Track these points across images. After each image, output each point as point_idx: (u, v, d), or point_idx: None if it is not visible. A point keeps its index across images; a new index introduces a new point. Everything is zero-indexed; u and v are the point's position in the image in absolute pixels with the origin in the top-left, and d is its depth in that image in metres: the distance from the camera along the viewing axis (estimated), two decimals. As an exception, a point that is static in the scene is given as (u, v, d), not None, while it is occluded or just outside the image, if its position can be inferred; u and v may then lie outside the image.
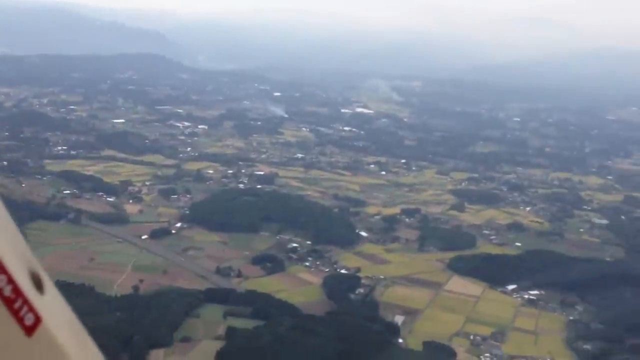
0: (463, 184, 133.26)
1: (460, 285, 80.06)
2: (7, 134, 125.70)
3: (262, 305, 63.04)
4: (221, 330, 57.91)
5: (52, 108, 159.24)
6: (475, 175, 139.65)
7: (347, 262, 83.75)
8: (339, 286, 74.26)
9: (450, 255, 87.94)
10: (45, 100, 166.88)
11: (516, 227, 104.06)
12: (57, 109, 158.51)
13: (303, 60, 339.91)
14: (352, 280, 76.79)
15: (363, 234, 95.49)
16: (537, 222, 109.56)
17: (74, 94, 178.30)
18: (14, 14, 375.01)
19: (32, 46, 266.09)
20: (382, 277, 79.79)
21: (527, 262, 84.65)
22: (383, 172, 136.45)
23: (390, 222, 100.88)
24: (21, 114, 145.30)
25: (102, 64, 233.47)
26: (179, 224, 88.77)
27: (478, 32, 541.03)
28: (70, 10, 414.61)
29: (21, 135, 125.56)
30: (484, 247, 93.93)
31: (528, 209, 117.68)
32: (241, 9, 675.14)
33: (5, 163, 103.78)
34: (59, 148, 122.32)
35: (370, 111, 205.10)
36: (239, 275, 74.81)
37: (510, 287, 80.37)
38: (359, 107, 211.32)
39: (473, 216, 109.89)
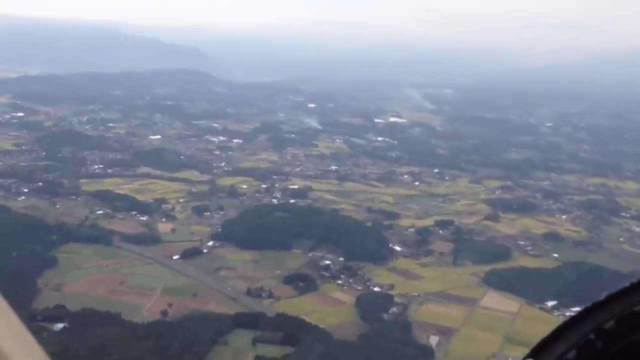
0: (496, 192, 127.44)
1: (497, 301, 74.96)
2: (44, 153, 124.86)
3: (293, 330, 59.19)
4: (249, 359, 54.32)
5: (91, 126, 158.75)
6: (509, 182, 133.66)
7: (380, 278, 79.49)
8: (372, 306, 69.99)
9: (485, 268, 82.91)
10: (84, 119, 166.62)
11: (552, 237, 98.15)
12: (95, 127, 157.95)
13: (336, 71, 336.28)
14: (385, 299, 72.47)
15: (396, 248, 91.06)
16: (574, 231, 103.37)
17: (113, 111, 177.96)
18: (55, 34, 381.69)
19: (73, 65, 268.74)
20: (415, 294, 75.27)
21: (566, 276, 78.85)
22: (416, 183, 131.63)
23: (424, 235, 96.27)
24: (60, 133, 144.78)
25: (140, 80, 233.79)
26: (210, 243, 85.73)
27: (506, 38, 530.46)
28: (109, 29, 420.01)
29: (59, 155, 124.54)
30: (520, 259, 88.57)
31: (564, 217, 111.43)
32: (273, 22, 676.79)
33: (40, 184, 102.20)
34: (96, 167, 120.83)
35: (404, 120, 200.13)
36: (270, 296, 71.20)
37: (550, 303, 74.88)
38: (392, 116, 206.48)
39: (508, 226, 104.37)
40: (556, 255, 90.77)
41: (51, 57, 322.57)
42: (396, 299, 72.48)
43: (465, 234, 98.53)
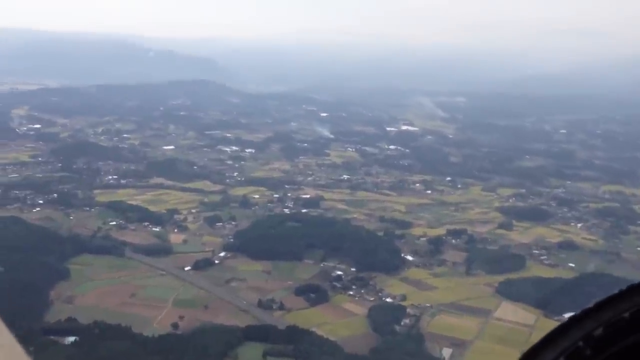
0: (510, 200, 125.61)
1: (511, 313, 73.17)
2: (60, 165, 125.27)
3: (303, 343, 58.07)
4: (259, 373, 53.32)
5: (106, 137, 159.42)
6: (523, 190, 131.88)
7: (392, 289, 78.16)
8: (384, 317, 68.68)
9: (499, 278, 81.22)
10: (100, 130, 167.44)
11: (568, 246, 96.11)
12: (110, 138, 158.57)
13: (348, 80, 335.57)
14: (398, 310, 71.13)
15: (409, 257, 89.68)
16: (590, 239, 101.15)
17: (128, 122, 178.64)
18: (73, 47, 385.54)
19: (90, 77, 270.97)
20: (428, 304, 73.81)
21: (584, 287, 76.45)
22: (428, 191, 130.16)
23: (436, 244, 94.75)
24: (76, 144, 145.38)
25: (155, 91, 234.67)
26: (222, 254, 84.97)
27: (519, 45, 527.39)
28: (126, 42, 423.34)
29: (74, 166, 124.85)
30: (535, 269, 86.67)
31: (579, 225, 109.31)
32: (286, 32, 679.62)
33: (55, 195, 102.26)
34: (110, 177, 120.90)
35: (416, 129, 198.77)
36: (282, 307, 70.19)
37: (569, 316, 72.74)
38: (404, 124, 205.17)
39: (522, 235, 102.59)
40: (572, 265, 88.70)
41: (69, 69, 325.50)
42: (408, 310, 71.14)
43: (479, 243, 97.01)
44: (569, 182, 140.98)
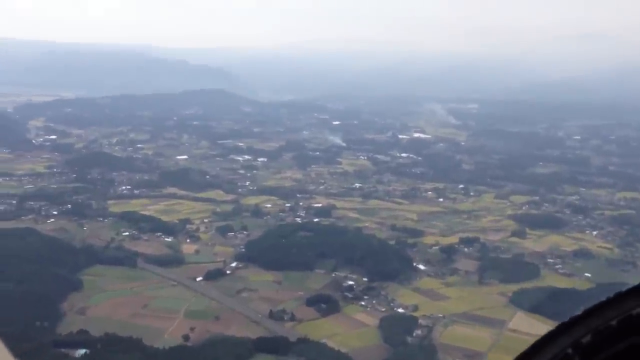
0: (523, 208, 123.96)
1: (526, 324, 71.70)
2: (74, 175, 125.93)
3: (315, 355, 57.43)
4: (270, 386, 52.72)
5: (120, 147, 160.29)
6: (536, 198, 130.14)
7: (404, 299, 77.22)
8: (396, 328, 67.81)
9: (513, 288, 79.93)
10: (114, 140, 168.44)
11: (583, 254, 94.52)
12: (124, 148, 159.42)
13: (360, 88, 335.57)
14: (409, 321, 70.14)
15: (421, 267, 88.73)
16: (606, 248, 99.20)
17: (142, 132, 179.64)
18: (88, 58, 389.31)
19: (105, 87, 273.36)
20: (440, 315, 72.76)
21: (600, 298, 74.86)
22: (441, 199, 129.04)
23: (449, 253, 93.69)
24: (90, 155, 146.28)
25: (169, 101, 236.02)
26: (234, 264, 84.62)
27: (530, 51, 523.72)
28: (140, 52, 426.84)
29: (88, 177, 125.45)
30: (550, 278, 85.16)
31: (595, 233, 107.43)
32: (298, 41, 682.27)
33: (69, 206, 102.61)
34: (123, 188, 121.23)
35: (428, 136, 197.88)
36: (293, 318, 69.54)
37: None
38: (416, 132, 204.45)
39: (535, 243, 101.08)
40: (588, 274, 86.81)
41: (84, 80, 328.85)
42: (421, 321, 70.16)
43: (492, 251, 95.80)
44: (584, 189, 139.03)
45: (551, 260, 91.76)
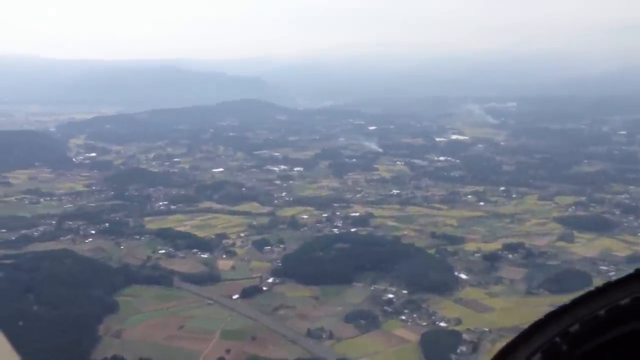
0: (569, 209, 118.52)
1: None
2: (113, 193, 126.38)
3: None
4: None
5: (158, 162, 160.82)
6: (583, 198, 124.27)
7: (446, 311, 73.78)
8: (438, 344, 64.62)
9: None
10: (151, 155, 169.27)
11: (638, 259, 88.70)
12: (162, 163, 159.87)
13: (394, 91, 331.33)
14: (453, 336, 66.79)
15: (462, 276, 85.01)
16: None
17: (179, 146, 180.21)
18: (127, 74, 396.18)
19: (144, 103, 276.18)
20: (486, 329, 69.12)
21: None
22: (481, 203, 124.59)
23: (492, 260, 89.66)
24: (128, 171, 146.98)
25: (206, 113, 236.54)
26: (270, 279, 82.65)
27: (568, 45, 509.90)
28: (177, 66, 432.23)
29: (126, 193, 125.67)
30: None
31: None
32: (331, 46, 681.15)
33: (107, 224, 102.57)
34: (160, 204, 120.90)
35: (466, 137, 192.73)
36: (331, 336, 67.01)
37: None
38: (453, 134, 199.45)
39: (585, 247, 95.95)
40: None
41: (124, 96, 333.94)
42: (465, 336, 66.69)
43: (538, 257, 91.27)
44: (633, 187, 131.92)
45: (604, 267, 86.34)
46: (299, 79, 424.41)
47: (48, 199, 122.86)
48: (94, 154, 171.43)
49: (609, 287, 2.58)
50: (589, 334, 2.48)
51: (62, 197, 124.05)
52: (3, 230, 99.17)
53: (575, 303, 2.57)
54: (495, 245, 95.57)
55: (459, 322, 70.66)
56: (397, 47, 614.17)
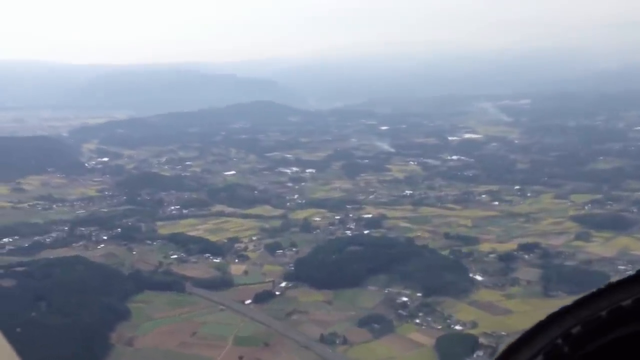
0: (586, 207, 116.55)
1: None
2: (125, 198, 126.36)
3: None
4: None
5: (170, 166, 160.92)
6: (599, 196, 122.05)
7: (461, 314, 72.56)
8: (454, 349, 63.51)
9: None
10: (163, 159, 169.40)
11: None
12: (174, 167, 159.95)
13: (406, 91, 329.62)
14: (469, 340, 65.55)
15: (478, 277, 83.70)
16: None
17: (191, 150, 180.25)
18: (139, 78, 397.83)
19: (155, 106, 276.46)
20: (503, 332, 67.74)
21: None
22: (496, 202, 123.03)
23: (507, 261, 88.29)
24: (140, 175, 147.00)
25: (217, 116, 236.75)
26: (283, 284, 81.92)
27: (582, 41, 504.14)
28: (188, 70, 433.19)
29: (138, 198, 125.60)
30: (622, 287, 78.52)
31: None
32: (338, 46, 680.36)
33: (119, 230, 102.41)
34: (172, 208, 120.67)
35: (479, 136, 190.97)
36: (345, 341, 66.12)
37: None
38: (466, 132, 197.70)
39: (602, 247, 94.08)
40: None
41: (135, 100, 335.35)
42: (481, 340, 65.44)
43: (554, 257, 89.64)
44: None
45: (622, 267, 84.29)
46: (308, 80, 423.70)
47: (60, 204, 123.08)
48: (106, 159, 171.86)
49: (612, 288, 2.55)
50: (590, 336, 2.45)
51: (75, 203, 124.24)
52: (16, 237, 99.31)
53: (577, 304, 2.55)
54: (510, 246, 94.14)
55: (474, 325, 69.45)
56: (405, 46, 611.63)
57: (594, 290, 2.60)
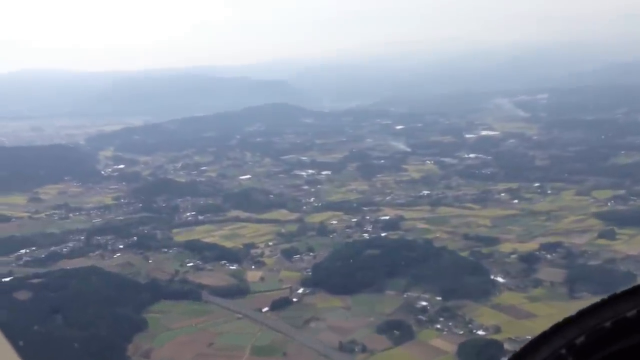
0: (608, 204, 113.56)
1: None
2: (141, 205, 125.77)
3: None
4: None
5: (185, 172, 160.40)
6: (622, 191, 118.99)
7: (483, 318, 70.61)
8: (477, 355, 61.59)
9: None
10: (179, 165, 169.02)
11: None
12: (189, 172, 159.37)
13: (421, 89, 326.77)
14: (492, 346, 63.52)
15: (499, 279, 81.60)
16: None
17: (206, 154, 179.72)
18: (154, 84, 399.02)
19: (171, 112, 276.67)
20: (528, 337, 65.42)
21: None
22: (515, 201, 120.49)
23: (529, 262, 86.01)
24: (156, 182, 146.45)
25: (231, 120, 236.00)
26: (300, 290, 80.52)
27: (597, 34, 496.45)
28: (202, 74, 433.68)
29: (154, 205, 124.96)
30: (649, 286, 75.98)
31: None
32: (350, 47, 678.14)
33: (135, 238, 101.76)
34: (188, 214, 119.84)
35: (496, 133, 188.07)
36: (364, 349, 64.56)
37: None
38: (483, 130, 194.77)
39: (628, 245, 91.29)
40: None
41: (150, 106, 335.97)
42: (506, 346, 63.28)
43: (578, 257, 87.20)
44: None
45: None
46: (321, 81, 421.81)
47: (77, 213, 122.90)
48: (122, 166, 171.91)
49: (616, 299, 2.53)
50: (594, 346, 2.43)
51: (91, 212, 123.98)
52: (33, 248, 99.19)
53: (581, 314, 2.53)
54: (532, 245, 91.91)
55: (498, 330, 67.51)
56: (417, 44, 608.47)
57: (598, 300, 2.53)
